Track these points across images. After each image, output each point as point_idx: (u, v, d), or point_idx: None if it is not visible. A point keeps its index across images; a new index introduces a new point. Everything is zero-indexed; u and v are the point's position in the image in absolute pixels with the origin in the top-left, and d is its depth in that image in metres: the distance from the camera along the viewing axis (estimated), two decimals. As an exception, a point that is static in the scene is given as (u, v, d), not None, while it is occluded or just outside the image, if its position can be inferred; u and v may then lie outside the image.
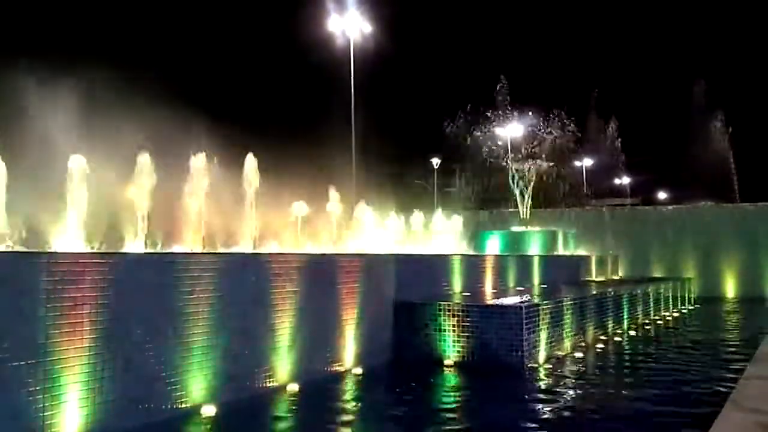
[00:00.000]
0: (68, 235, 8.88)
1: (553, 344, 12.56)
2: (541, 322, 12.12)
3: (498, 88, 35.24)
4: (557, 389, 10.36)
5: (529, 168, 31.20)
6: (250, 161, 13.00)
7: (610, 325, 16.04)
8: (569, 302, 13.80)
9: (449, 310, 11.99)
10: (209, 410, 8.30)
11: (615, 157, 50.29)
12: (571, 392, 10.17)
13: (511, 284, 17.64)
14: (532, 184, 30.77)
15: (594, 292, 16.24)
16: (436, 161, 50.19)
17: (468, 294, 14.55)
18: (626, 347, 14.78)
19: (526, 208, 30.82)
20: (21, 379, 6.59)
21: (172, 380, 8.17)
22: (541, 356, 12.01)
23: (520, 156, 32.37)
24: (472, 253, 20.70)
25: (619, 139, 49.96)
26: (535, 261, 20.25)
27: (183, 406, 8.26)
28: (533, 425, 8.34)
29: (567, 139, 32.82)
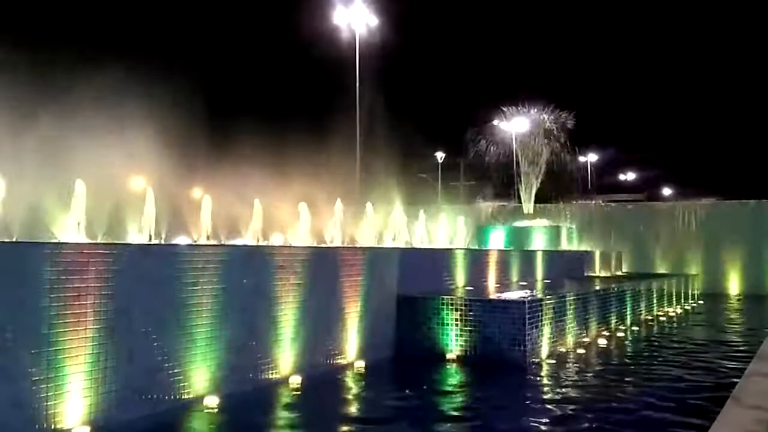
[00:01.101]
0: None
1: (555, 339, 12.55)
2: (544, 317, 12.11)
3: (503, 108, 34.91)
4: (560, 384, 10.38)
5: (534, 163, 31.15)
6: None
7: (613, 320, 16.03)
8: (572, 297, 13.80)
9: (452, 305, 11.99)
10: (212, 401, 8.33)
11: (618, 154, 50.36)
12: (573, 388, 10.17)
13: (514, 279, 17.63)
14: (539, 179, 30.74)
15: (597, 288, 16.23)
16: (440, 155, 50.17)
17: (471, 288, 14.55)
18: (629, 343, 14.78)
19: (530, 203, 30.79)
20: (24, 368, 6.62)
21: (175, 371, 8.19)
22: (544, 351, 12.01)
23: (525, 152, 32.23)
24: (475, 247, 20.70)
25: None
26: (539, 256, 20.24)
27: (186, 397, 8.29)
28: (536, 420, 8.35)
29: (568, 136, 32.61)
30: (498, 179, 34.24)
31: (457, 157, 44.49)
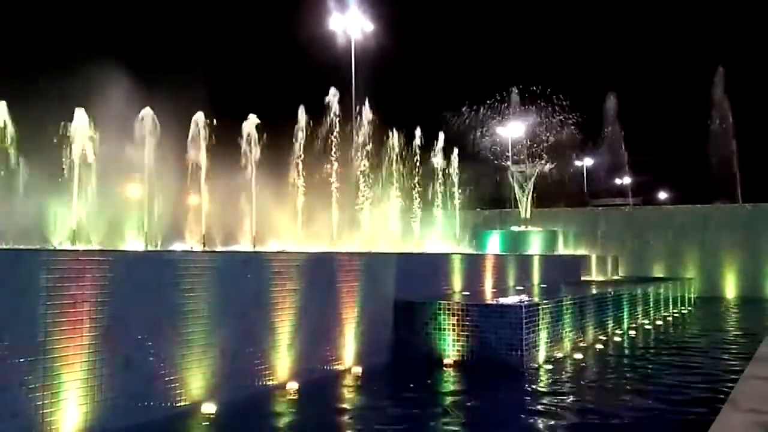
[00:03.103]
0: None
1: (552, 344, 12.56)
2: (540, 322, 12.12)
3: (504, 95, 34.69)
4: (557, 389, 10.36)
5: (531, 167, 31.20)
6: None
7: (610, 325, 16.04)
8: (569, 302, 13.80)
9: (449, 310, 11.99)
10: (209, 408, 8.31)
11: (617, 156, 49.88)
12: (570, 392, 10.17)
13: (511, 284, 17.64)
14: (532, 182, 30.77)
15: (594, 292, 16.23)
16: (437, 160, 50.11)
17: (468, 293, 14.55)
18: (626, 347, 14.78)
19: (527, 207, 30.82)
20: (20, 376, 6.59)
21: (171, 378, 8.17)
22: (541, 356, 12.01)
23: (521, 156, 32.26)
24: (472, 252, 20.71)
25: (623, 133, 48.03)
26: (535, 261, 20.25)
27: (182, 404, 8.26)
28: (533, 426, 8.35)
29: (569, 134, 32.40)
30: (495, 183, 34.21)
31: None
